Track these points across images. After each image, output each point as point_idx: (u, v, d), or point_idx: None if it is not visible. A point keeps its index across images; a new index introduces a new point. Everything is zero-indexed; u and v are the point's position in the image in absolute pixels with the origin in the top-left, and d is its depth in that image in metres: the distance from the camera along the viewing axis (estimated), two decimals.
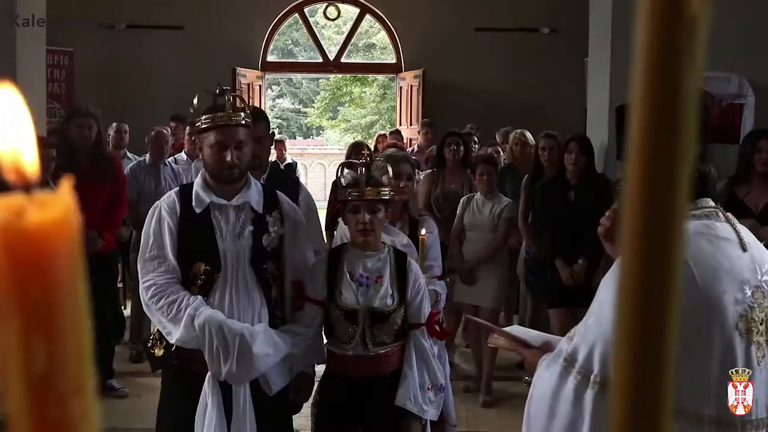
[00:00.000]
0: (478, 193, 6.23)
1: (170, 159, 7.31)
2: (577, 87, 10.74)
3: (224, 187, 3.37)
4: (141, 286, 3.33)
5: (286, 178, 4.52)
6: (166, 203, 3.39)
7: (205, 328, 3.19)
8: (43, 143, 5.60)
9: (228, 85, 10.67)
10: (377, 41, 22.53)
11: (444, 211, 6.48)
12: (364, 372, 3.44)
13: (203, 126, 3.33)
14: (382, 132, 10.97)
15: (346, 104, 26.81)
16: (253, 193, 3.42)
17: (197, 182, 3.42)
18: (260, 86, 11.46)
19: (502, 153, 7.93)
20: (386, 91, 24.27)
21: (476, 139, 7.96)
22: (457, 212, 6.24)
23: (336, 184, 4.21)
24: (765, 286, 2.06)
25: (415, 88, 11.32)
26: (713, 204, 2.18)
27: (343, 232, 4.08)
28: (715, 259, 2.03)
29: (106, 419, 4.22)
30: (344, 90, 26.26)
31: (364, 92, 25.75)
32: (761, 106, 5.78)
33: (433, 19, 11.28)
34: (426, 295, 3.55)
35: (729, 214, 2.18)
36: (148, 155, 7.11)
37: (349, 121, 26.18)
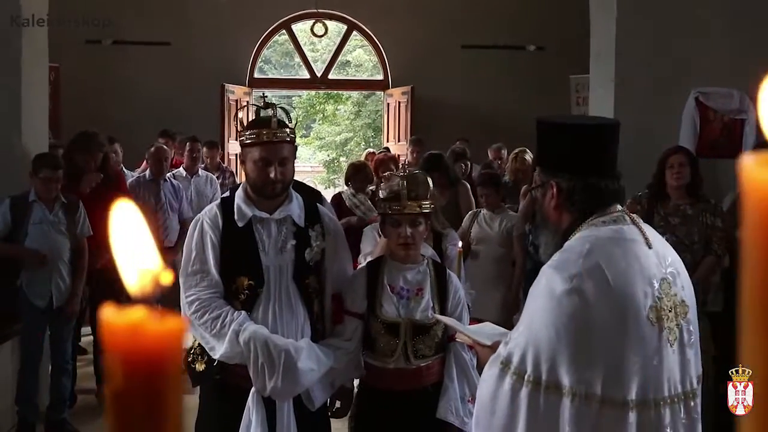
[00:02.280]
0: (484, 209, 6.28)
1: (169, 174, 7.26)
2: (563, 104, 10.89)
3: (266, 201, 3.35)
4: (183, 301, 3.29)
5: (308, 192, 4.51)
6: (208, 217, 3.35)
7: (250, 344, 3.16)
8: (53, 164, 5.54)
9: (216, 101, 10.66)
10: (352, 59, 22.56)
11: None
12: (405, 385, 3.43)
13: (248, 141, 3.31)
14: (371, 150, 10.96)
15: (320, 122, 26.77)
16: (295, 207, 3.40)
17: (239, 195, 3.39)
18: (248, 102, 11.43)
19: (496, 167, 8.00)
20: (361, 109, 24.27)
21: (468, 157, 7.98)
22: (462, 226, 6.25)
23: (374, 197, 4.21)
24: (669, 277, 2.30)
25: (403, 105, 11.35)
26: (620, 208, 2.40)
27: (369, 240, 4.09)
28: (625, 260, 2.24)
29: None
30: (317, 108, 26.23)
31: (338, 110, 25.73)
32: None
33: (420, 37, 11.34)
34: (465, 306, 3.56)
35: (634, 216, 2.40)
36: (147, 171, 7.06)
37: (323, 138, 26.13)
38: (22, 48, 5.85)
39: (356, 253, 4.26)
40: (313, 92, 22.63)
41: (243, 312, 3.23)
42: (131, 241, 0.45)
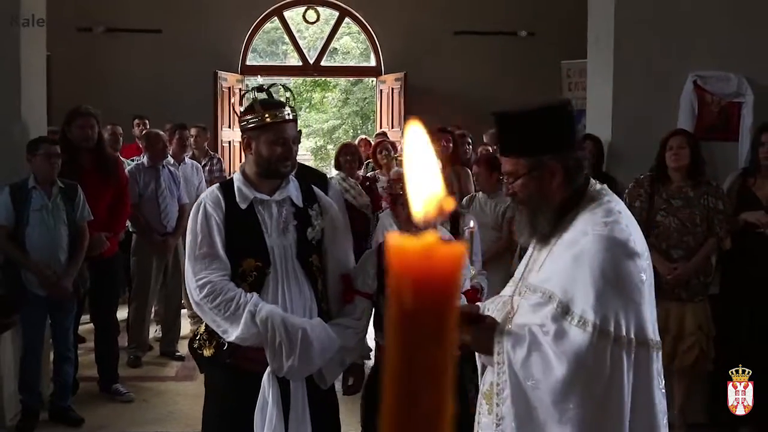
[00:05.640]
0: (480, 192, 6.27)
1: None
2: (554, 89, 10.92)
3: (265, 184, 3.37)
4: (192, 285, 3.27)
5: (314, 175, 4.52)
6: (210, 199, 3.36)
7: (267, 324, 3.18)
8: (51, 141, 5.53)
9: (209, 88, 10.63)
10: (340, 46, 22.53)
11: None
12: None
13: (263, 123, 3.32)
14: (364, 137, 10.96)
15: (307, 110, 26.73)
16: (292, 188, 3.44)
17: (237, 178, 3.41)
18: (240, 89, 11.40)
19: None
20: (349, 96, 24.24)
21: (470, 141, 8.01)
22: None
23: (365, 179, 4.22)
24: None
25: (396, 91, 11.35)
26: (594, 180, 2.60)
27: (383, 228, 4.11)
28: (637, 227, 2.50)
29: (114, 424, 4.22)
30: (305, 96, 26.19)
31: (326, 97, 25.70)
32: (760, 104, 5.92)
33: (412, 23, 11.34)
34: (468, 272, 3.58)
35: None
36: (146, 157, 7.03)
37: (311, 126, 26.10)
38: (21, 37, 5.82)
39: (362, 237, 4.27)
40: (300, 80, 22.58)
41: (255, 294, 3.25)
42: (419, 167, 0.47)
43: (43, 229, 5.37)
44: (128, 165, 7.07)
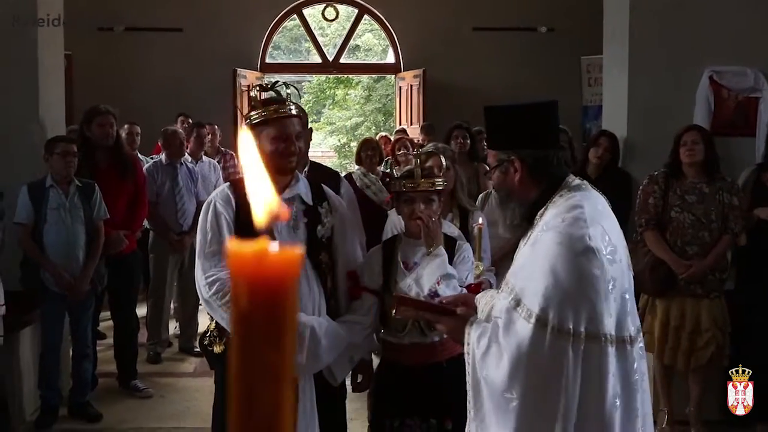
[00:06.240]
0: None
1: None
2: (575, 85, 10.89)
3: (274, 181, 3.39)
4: (201, 282, 3.29)
5: (326, 173, 4.54)
6: (220, 198, 3.38)
7: None
8: (68, 140, 5.60)
9: (229, 86, 10.69)
10: (362, 43, 22.55)
11: None
12: (421, 360, 3.48)
13: (261, 119, 3.33)
14: (384, 134, 10.97)
15: (330, 107, 26.77)
16: (302, 186, 3.46)
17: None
18: (251, 85, 11.44)
19: None
20: (371, 93, 24.25)
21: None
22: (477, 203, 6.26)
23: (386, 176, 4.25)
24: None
25: (415, 88, 11.35)
26: (575, 177, 2.65)
27: (392, 225, 4.12)
28: (610, 220, 2.53)
29: (133, 419, 4.26)
30: (328, 93, 26.23)
31: (349, 94, 25.73)
32: None
33: (432, 19, 11.33)
34: (471, 267, 3.59)
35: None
36: (163, 155, 7.08)
37: (334, 123, 26.14)
38: (38, 37, 5.89)
39: (375, 235, 4.28)
40: (323, 77, 22.62)
41: None
42: (256, 174, 0.50)
43: (60, 227, 5.44)
44: (146, 163, 7.13)
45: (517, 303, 2.37)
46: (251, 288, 0.48)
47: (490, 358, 2.41)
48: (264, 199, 0.50)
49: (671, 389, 5.37)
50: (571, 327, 2.29)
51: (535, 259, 2.41)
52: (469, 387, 2.49)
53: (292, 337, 0.48)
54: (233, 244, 0.48)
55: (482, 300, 2.71)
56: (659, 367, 5.33)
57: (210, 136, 8.50)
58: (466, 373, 2.50)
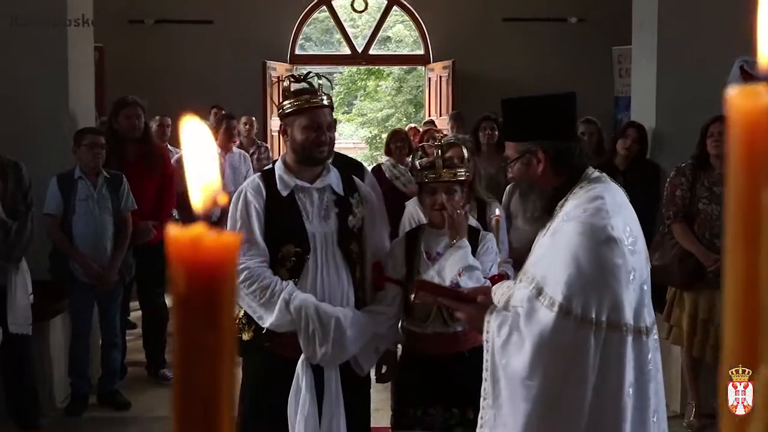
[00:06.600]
0: None
1: None
2: (606, 75, 10.79)
3: (306, 171, 3.43)
4: None
5: (349, 163, 4.56)
6: (251, 187, 3.43)
7: (301, 312, 3.25)
8: (97, 132, 5.67)
9: (259, 78, 10.73)
10: (392, 34, 22.52)
11: None
12: (444, 350, 3.49)
13: (293, 109, 3.38)
14: (413, 125, 10.96)
15: (361, 98, 26.80)
16: (333, 177, 3.49)
17: (278, 167, 3.47)
18: (280, 77, 11.47)
19: None
20: (402, 84, 24.23)
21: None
22: (504, 199, 6.24)
23: (413, 167, 4.26)
24: None
25: (444, 79, 11.31)
26: (594, 168, 2.67)
27: (410, 215, 4.14)
28: (629, 211, 2.54)
29: (161, 408, 4.31)
30: (359, 84, 26.26)
31: (380, 86, 25.73)
32: None
33: (461, 10, 11.27)
34: (494, 258, 3.60)
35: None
36: None
37: (365, 114, 26.17)
38: (68, 35, 5.97)
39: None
40: (354, 69, 22.63)
41: (291, 282, 3.31)
42: (198, 158, 0.51)
43: (89, 218, 5.51)
44: (175, 154, 7.19)
45: (539, 292, 2.39)
46: (188, 272, 0.49)
47: (510, 347, 2.42)
48: (203, 183, 0.51)
49: (699, 382, 5.33)
50: (593, 315, 2.31)
51: (557, 249, 2.42)
52: (486, 375, 2.50)
53: (229, 319, 0.50)
54: (172, 229, 0.49)
55: (498, 291, 2.71)
56: (687, 360, 5.29)
57: (248, 127, 8.63)
58: (484, 360, 2.52)
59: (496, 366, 2.46)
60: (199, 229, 0.50)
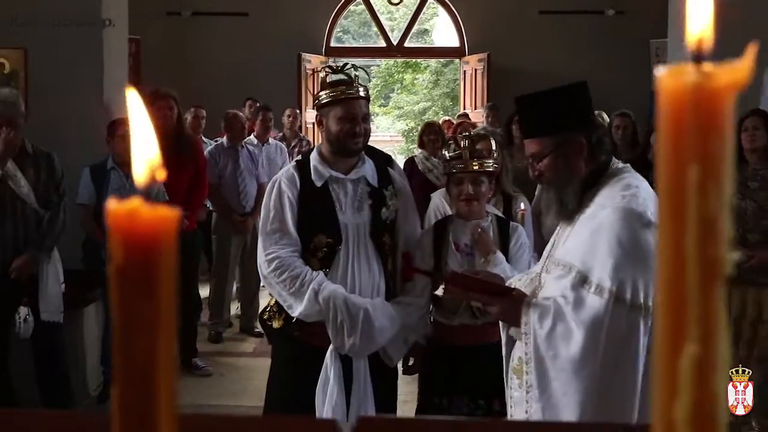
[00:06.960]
0: None
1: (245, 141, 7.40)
2: (643, 69, 10.66)
3: (341, 162, 3.45)
4: (262, 259, 3.39)
5: (378, 155, 4.57)
6: (285, 177, 3.46)
7: (330, 303, 3.27)
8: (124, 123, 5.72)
9: (294, 70, 10.77)
10: (430, 27, 22.51)
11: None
12: (471, 341, 3.49)
13: (329, 99, 3.40)
14: (447, 118, 10.94)
15: (398, 91, 26.81)
16: (368, 168, 3.51)
17: (314, 157, 3.49)
18: (316, 69, 11.50)
19: None
20: (439, 78, 24.20)
21: None
22: (536, 194, 6.21)
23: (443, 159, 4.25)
24: None
25: (479, 72, 11.27)
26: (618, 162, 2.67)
27: (435, 207, 4.14)
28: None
29: (192, 396, 4.34)
30: (396, 77, 26.26)
31: (417, 79, 25.71)
32: None
33: (496, 3, 11.23)
34: (528, 252, 3.59)
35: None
36: (225, 138, 7.19)
37: (402, 107, 26.18)
38: (103, 30, 6.05)
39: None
40: (391, 62, 22.63)
41: (321, 272, 3.33)
42: (141, 132, 0.52)
43: None
44: (208, 145, 7.25)
45: (584, 280, 2.39)
46: (125, 244, 0.51)
47: (556, 337, 2.41)
48: (145, 158, 0.52)
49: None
50: (641, 301, 2.32)
51: (597, 236, 2.42)
52: (528, 368, 2.47)
53: (167, 290, 0.51)
54: (111, 203, 0.51)
55: (518, 283, 2.70)
56: None
57: (291, 119, 8.74)
58: (524, 353, 2.49)
59: (541, 358, 2.44)
60: (136, 202, 0.51)
